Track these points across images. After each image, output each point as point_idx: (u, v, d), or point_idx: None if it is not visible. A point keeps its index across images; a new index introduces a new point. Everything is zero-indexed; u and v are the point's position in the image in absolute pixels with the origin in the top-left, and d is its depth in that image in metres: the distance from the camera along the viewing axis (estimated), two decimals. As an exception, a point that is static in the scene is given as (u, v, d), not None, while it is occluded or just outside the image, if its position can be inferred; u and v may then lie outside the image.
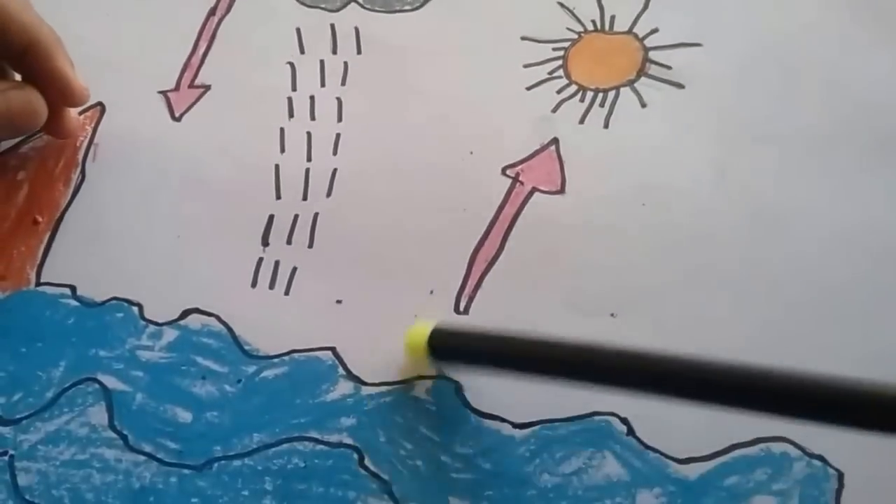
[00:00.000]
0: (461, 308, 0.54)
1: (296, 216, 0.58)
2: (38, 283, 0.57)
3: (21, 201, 0.62)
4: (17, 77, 0.59)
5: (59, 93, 0.55)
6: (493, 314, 0.53)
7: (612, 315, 0.54)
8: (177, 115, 0.62)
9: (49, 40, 0.54)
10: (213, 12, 0.67)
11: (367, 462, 0.49)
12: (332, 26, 0.65)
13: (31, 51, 0.53)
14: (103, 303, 0.58)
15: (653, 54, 0.62)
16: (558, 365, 0.43)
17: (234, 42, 0.64)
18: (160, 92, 0.63)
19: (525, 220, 0.56)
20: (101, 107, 0.65)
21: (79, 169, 0.63)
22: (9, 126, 0.54)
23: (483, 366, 0.48)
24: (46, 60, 0.54)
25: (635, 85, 0.61)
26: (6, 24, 0.52)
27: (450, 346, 0.48)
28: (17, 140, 0.62)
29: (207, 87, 0.63)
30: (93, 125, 0.64)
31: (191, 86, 0.63)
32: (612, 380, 0.42)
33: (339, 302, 0.55)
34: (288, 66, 0.64)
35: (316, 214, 0.58)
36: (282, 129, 0.61)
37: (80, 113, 0.64)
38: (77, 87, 0.56)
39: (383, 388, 0.52)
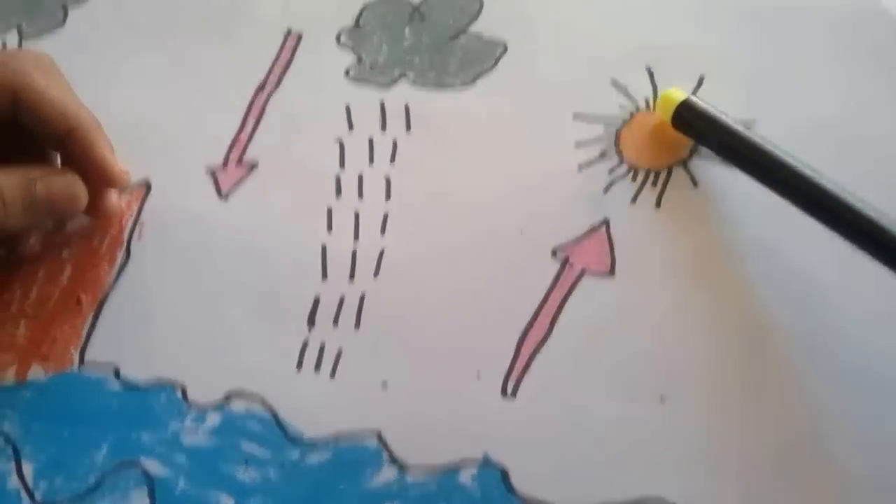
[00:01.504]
0: (508, 391, 0.54)
1: (342, 297, 0.56)
2: (82, 364, 0.56)
3: (65, 280, 0.62)
4: (58, 159, 0.59)
5: (99, 177, 0.54)
6: (542, 398, 0.52)
7: (661, 399, 0.53)
8: (223, 193, 0.61)
9: (89, 125, 0.54)
10: (261, 88, 0.67)
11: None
12: (382, 103, 0.64)
13: (72, 136, 0.53)
14: (147, 385, 0.57)
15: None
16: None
17: (283, 118, 0.63)
18: (207, 170, 0.62)
19: (574, 303, 0.55)
20: (146, 185, 0.64)
21: (123, 248, 0.62)
22: (50, 212, 0.53)
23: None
24: (86, 146, 0.53)
25: (687, 164, 0.59)
26: (47, 110, 0.52)
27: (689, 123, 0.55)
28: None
29: (255, 165, 0.62)
30: (138, 204, 0.63)
31: (238, 163, 0.62)
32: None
33: (384, 384, 0.54)
34: (336, 144, 0.63)
35: (363, 295, 0.56)
36: (329, 208, 0.60)
37: (125, 192, 0.63)
38: (117, 171, 0.55)
39: (428, 474, 0.50)
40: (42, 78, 0.52)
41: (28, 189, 0.52)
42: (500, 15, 0.68)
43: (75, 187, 0.54)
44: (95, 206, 0.56)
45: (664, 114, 0.54)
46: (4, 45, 0.70)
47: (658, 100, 0.54)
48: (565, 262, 0.58)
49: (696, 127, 0.54)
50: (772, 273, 0.55)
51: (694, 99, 0.53)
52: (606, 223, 0.59)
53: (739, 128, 0.52)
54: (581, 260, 0.58)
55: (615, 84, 0.64)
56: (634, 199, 0.60)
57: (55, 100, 0.52)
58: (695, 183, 0.58)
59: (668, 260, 0.57)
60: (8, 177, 0.51)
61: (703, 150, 0.59)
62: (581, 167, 0.60)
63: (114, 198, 0.58)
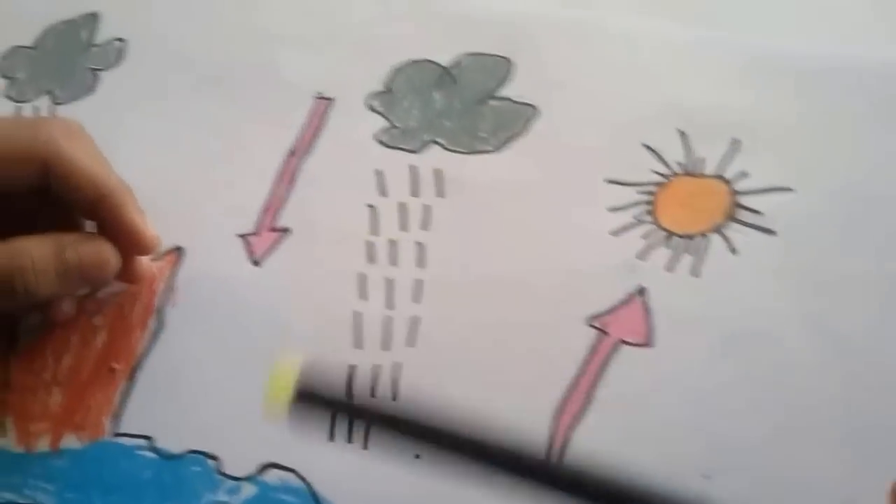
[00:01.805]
0: (546, 466, 0.50)
1: (377, 367, 0.55)
2: (115, 434, 0.56)
3: (98, 348, 0.62)
4: (89, 225, 0.59)
5: (130, 243, 0.55)
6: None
7: (705, 477, 0.52)
8: (256, 259, 0.61)
9: (119, 192, 0.54)
10: (292, 153, 0.67)
11: None
12: (413, 168, 0.64)
13: (102, 203, 0.53)
14: (180, 455, 0.57)
15: (742, 199, 0.60)
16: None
17: (314, 183, 0.63)
18: (239, 235, 0.62)
19: (612, 374, 0.53)
20: (179, 251, 0.64)
21: (156, 315, 0.62)
22: (82, 278, 0.54)
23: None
24: (117, 213, 0.54)
25: (725, 231, 0.58)
26: (77, 177, 0.52)
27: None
28: None
29: (287, 231, 0.62)
30: (170, 270, 0.63)
31: (270, 229, 0.62)
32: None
33: (417, 457, 0.53)
34: (368, 209, 0.62)
35: (398, 365, 0.55)
36: (362, 275, 0.59)
37: (157, 259, 0.64)
38: (149, 237, 0.56)
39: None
40: (72, 145, 0.53)
41: (59, 256, 0.52)
42: (530, 78, 0.68)
43: (106, 253, 0.54)
44: (127, 272, 0.56)
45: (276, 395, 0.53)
46: (37, 111, 0.71)
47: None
48: (601, 331, 0.57)
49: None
50: (815, 345, 0.54)
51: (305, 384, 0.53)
52: (643, 291, 0.58)
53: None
54: (617, 329, 0.57)
55: (647, 148, 0.63)
56: (671, 267, 0.59)
57: (85, 167, 0.53)
58: (733, 250, 0.57)
59: (707, 330, 0.56)
60: (39, 244, 0.51)
61: (742, 215, 0.59)
62: (615, 233, 0.59)
63: (145, 262, 0.58)
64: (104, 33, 0.71)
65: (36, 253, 0.50)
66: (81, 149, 0.53)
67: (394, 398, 0.57)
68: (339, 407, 0.52)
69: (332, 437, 0.56)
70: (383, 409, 0.52)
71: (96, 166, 0.53)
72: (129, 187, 0.54)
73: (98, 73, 0.69)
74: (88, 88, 0.69)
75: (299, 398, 0.49)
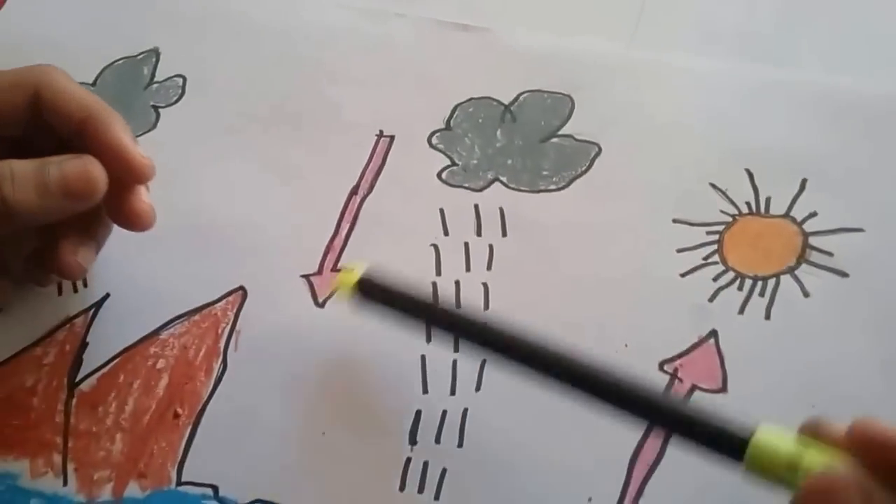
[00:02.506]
0: (622, 518, 0.48)
1: (444, 412, 0.54)
2: (180, 483, 0.55)
3: (161, 393, 0.61)
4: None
5: (119, 165, 0.53)
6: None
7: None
8: (320, 300, 0.60)
9: (105, 112, 0.53)
10: (354, 192, 0.65)
11: None
12: (476, 207, 0.63)
13: (89, 123, 0.52)
14: (246, 504, 0.53)
15: (813, 240, 0.59)
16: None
17: (377, 223, 0.62)
18: (303, 276, 0.61)
19: (687, 421, 0.48)
20: (242, 291, 0.64)
21: (220, 358, 0.60)
22: (66, 194, 0.51)
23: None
24: (104, 132, 0.53)
25: (796, 272, 0.58)
26: (65, 99, 0.53)
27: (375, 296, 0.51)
28: (158, 326, 0.63)
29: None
30: (234, 311, 0.63)
31: (334, 269, 0.62)
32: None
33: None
34: (432, 249, 0.61)
35: (465, 410, 0.54)
36: (427, 317, 0.55)
37: (223, 298, 0.63)
38: (137, 157, 0.54)
39: None
40: (59, 75, 0.53)
41: (41, 169, 0.50)
42: (592, 116, 0.67)
43: (93, 170, 0.52)
44: (122, 208, 0.55)
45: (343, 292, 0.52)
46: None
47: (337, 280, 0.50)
48: (674, 377, 0.56)
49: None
50: (893, 391, 0.52)
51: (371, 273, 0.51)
52: (715, 335, 0.57)
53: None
54: (691, 374, 0.56)
55: (714, 187, 0.62)
56: (742, 310, 0.58)
57: (73, 90, 0.53)
58: (806, 293, 0.56)
59: (783, 376, 0.55)
60: (23, 161, 0.50)
61: (813, 256, 0.58)
62: (684, 274, 0.58)
63: (143, 197, 0.55)
64: (164, 70, 0.71)
65: (17, 165, 0.49)
66: (67, 78, 0.54)
67: (459, 445, 0.56)
68: (397, 299, 0.51)
69: (402, 486, 0.54)
70: (440, 304, 0.51)
71: (82, 92, 0.54)
72: (116, 113, 0.54)
73: (159, 109, 0.69)
74: (149, 125, 0.69)
75: (361, 286, 0.51)
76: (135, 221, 0.55)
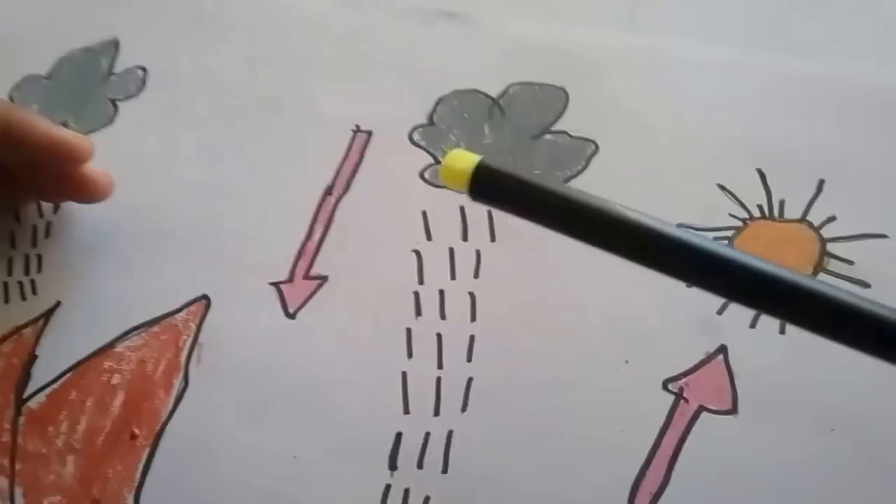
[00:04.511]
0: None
1: (427, 434, 0.51)
2: (137, 510, 0.48)
3: (116, 411, 0.57)
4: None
5: (58, 152, 0.55)
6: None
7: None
8: (290, 310, 0.57)
9: (20, 114, 0.54)
10: (329, 192, 0.63)
11: None
12: (462, 209, 0.60)
13: (9, 131, 0.53)
14: (209, 533, 0.49)
15: (831, 247, 0.54)
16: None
17: (353, 226, 0.59)
18: (272, 284, 0.58)
19: (693, 446, 0.48)
20: (205, 300, 0.60)
21: (181, 374, 0.57)
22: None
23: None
24: (29, 130, 0.54)
25: (814, 284, 0.49)
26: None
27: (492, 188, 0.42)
28: (114, 337, 0.59)
29: (324, 279, 0.58)
30: (196, 322, 0.59)
31: (306, 276, 0.59)
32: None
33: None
34: (413, 255, 0.58)
35: (450, 433, 0.51)
36: (408, 330, 0.55)
37: (184, 307, 0.60)
38: (72, 137, 0.55)
39: None
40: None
41: None
42: (589, 110, 0.63)
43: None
44: (79, 185, 0.58)
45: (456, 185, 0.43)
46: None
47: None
48: (679, 397, 0.52)
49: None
50: None
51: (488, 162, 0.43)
52: (724, 351, 0.53)
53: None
54: (698, 394, 0.52)
55: (723, 188, 0.58)
56: (754, 324, 0.53)
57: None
58: (824, 306, 0.48)
59: (800, 397, 0.50)
60: None
61: (832, 265, 0.54)
62: (690, 285, 0.50)
63: (95, 170, 0.58)
64: (124, 61, 0.68)
65: None
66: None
67: (444, 471, 0.52)
68: (522, 186, 0.43)
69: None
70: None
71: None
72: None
73: (118, 103, 0.66)
74: (107, 119, 0.66)
75: (481, 171, 0.42)
76: (95, 192, 0.57)
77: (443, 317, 0.58)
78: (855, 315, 0.36)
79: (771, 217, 0.57)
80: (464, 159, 0.43)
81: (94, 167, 0.56)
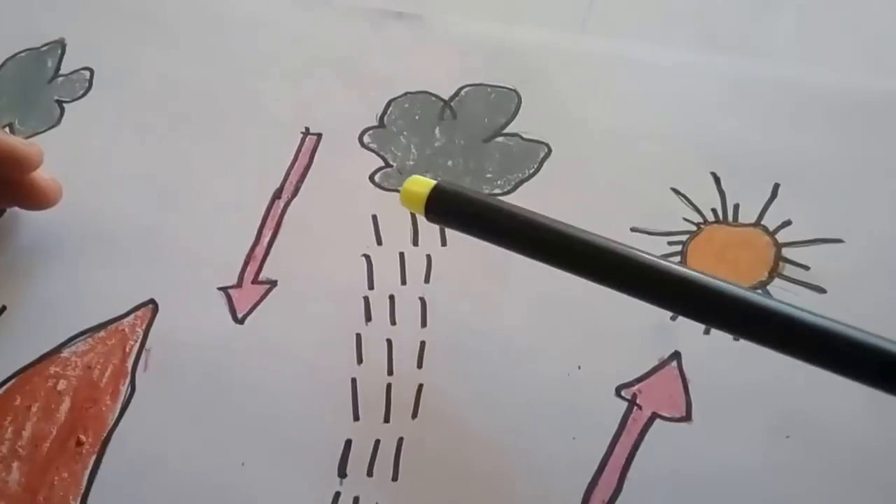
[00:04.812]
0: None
1: (377, 442, 0.50)
2: (82, 519, 0.47)
3: (62, 418, 0.56)
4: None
5: (7, 160, 0.55)
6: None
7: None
8: (239, 315, 0.56)
9: None
10: (278, 195, 0.62)
11: None
12: (413, 214, 0.59)
13: None
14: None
15: (786, 251, 0.54)
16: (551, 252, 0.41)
17: (303, 230, 0.58)
18: (220, 288, 0.57)
19: (646, 453, 0.48)
20: (153, 305, 0.59)
21: (128, 379, 0.56)
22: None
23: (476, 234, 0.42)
24: None
25: (768, 288, 0.52)
26: None
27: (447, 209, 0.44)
28: (59, 343, 0.58)
29: (273, 283, 0.57)
30: (143, 327, 0.58)
31: (255, 281, 0.58)
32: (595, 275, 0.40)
33: None
34: (363, 259, 0.58)
35: (400, 440, 0.50)
36: (358, 336, 0.54)
37: (131, 312, 0.59)
38: (21, 144, 0.56)
39: None
40: None
41: None
42: (541, 113, 0.62)
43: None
44: (28, 192, 0.58)
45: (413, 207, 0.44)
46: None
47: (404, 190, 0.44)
48: (632, 404, 0.51)
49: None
50: (877, 419, 0.49)
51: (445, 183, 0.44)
52: (678, 357, 0.52)
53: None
54: (651, 401, 0.51)
55: (676, 192, 0.57)
56: (708, 330, 0.52)
57: None
58: (778, 310, 0.48)
59: (754, 404, 0.50)
60: None
61: (787, 270, 0.53)
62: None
63: (45, 176, 0.58)
64: (70, 62, 0.67)
65: None
66: None
67: (394, 479, 0.52)
68: (475, 206, 0.45)
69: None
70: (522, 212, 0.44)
71: None
72: None
73: (63, 104, 0.65)
74: (52, 121, 0.65)
75: (436, 193, 0.44)
76: (44, 197, 0.57)
77: (393, 322, 0.57)
78: (807, 330, 0.38)
79: (725, 221, 0.57)
80: (420, 183, 0.45)
81: (42, 172, 0.54)
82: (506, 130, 0.63)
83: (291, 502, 0.51)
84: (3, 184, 0.54)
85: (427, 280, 0.58)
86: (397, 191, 0.56)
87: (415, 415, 0.53)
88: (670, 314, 0.53)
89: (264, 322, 0.55)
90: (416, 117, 0.64)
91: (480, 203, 0.44)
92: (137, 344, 0.58)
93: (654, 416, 0.51)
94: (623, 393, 0.52)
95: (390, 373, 0.54)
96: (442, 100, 0.65)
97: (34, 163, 0.54)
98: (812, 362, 0.38)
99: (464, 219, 0.44)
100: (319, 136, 0.65)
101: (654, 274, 0.40)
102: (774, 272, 0.54)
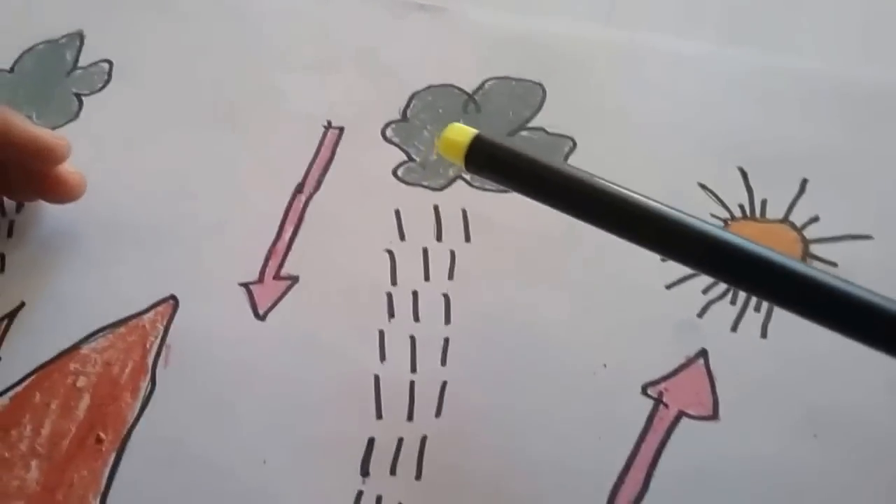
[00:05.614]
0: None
1: (400, 440, 0.50)
2: (103, 517, 0.47)
3: (81, 415, 0.55)
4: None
5: (36, 151, 0.54)
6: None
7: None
8: (260, 312, 0.56)
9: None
10: (300, 190, 0.61)
11: None
12: (436, 208, 0.58)
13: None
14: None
15: (814, 248, 0.53)
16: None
17: (325, 225, 0.58)
18: (241, 284, 0.56)
19: (673, 452, 0.48)
20: (173, 301, 0.58)
21: (148, 376, 0.56)
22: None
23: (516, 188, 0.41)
24: (9, 128, 0.53)
25: (796, 284, 0.47)
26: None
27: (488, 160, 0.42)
28: (79, 339, 0.57)
29: (295, 279, 0.57)
30: (164, 323, 0.57)
31: (276, 277, 0.57)
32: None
33: None
34: (386, 255, 0.57)
35: (424, 438, 0.50)
36: (381, 332, 0.54)
37: (151, 308, 0.58)
38: (50, 136, 0.55)
39: None
40: None
41: None
42: (567, 106, 0.62)
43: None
44: (54, 186, 0.57)
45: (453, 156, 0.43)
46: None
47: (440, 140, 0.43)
48: (658, 402, 0.51)
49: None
50: None
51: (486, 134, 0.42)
52: (704, 355, 0.52)
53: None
54: (677, 399, 0.51)
55: (703, 187, 0.57)
56: (735, 327, 0.52)
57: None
58: (806, 309, 0.48)
59: (782, 401, 0.49)
60: None
61: (815, 264, 0.51)
62: (670, 286, 0.53)
63: (70, 170, 0.57)
64: (89, 55, 0.66)
65: None
66: None
67: (417, 477, 0.51)
68: (515, 158, 0.44)
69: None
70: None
71: None
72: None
73: (82, 97, 0.64)
74: (71, 115, 0.64)
75: (477, 142, 0.43)
76: (69, 192, 0.56)
77: (416, 319, 0.56)
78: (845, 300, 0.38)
79: (752, 217, 0.56)
80: (461, 132, 0.43)
81: (68, 165, 0.54)
82: (530, 124, 0.62)
83: (313, 501, 0.51)
84: (29, 176, 0.54)
85: (451, 276, 0.58)
86: (420, 185, 0.55)
87: (438, 413, 0.52)
88: (697, 312, 0.53)
89: (286, 318, 0.54)
90: (440, 111, 0.64)
91: (521, 155, 0.43)
92: (158, 340, 0.57)
93: (680, 415, 0.51)
94: (649, 391, 0.52)
95: (413, 370, 0.53)
96: (466, 93, 0.64)
97: (62, 155, 0.53)
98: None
99: (504, 170, 0.42)
100: (342, 129, 0.64)
101: (695, 235, 0.41)
102: (803, 270, 0.51)
